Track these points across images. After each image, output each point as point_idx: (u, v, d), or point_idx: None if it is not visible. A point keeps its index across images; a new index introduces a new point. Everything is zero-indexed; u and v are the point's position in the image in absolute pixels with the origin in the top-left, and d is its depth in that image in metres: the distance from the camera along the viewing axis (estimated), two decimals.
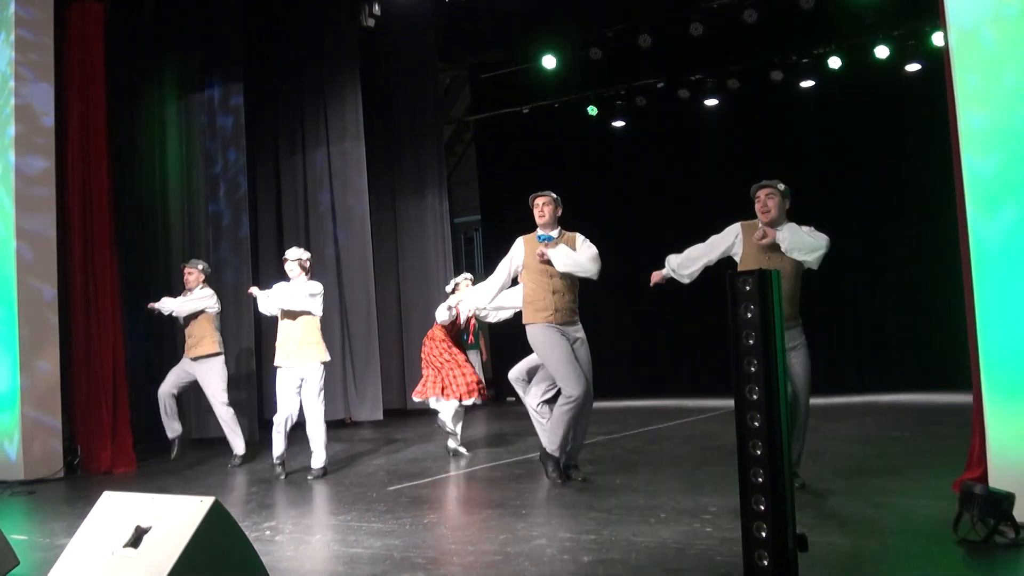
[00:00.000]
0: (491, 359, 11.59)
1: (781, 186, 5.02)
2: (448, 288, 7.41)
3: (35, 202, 7.32)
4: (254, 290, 6.73)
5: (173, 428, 7.52)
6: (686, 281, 5.28)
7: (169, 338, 8.87)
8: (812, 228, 4.96)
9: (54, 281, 7.38)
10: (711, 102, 11.13)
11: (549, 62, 11.17)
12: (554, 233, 5.60)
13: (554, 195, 5.65)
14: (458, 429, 7.17)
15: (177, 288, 7.92)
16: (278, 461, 6.51)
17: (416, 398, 7.30)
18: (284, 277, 6.63)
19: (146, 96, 9.62)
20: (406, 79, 11.49)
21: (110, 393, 7.46)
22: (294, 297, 6.42)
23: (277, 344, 6.50)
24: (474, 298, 6.25)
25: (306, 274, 6.63)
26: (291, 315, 6.47)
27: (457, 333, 7.31)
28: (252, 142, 9.81)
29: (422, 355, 7.34)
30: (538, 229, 5.65)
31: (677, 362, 11.82)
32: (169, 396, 7.45)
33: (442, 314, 7.09)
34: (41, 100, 7.45)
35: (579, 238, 5.64)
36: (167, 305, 7.42)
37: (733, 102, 11.17)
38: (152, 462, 7.70)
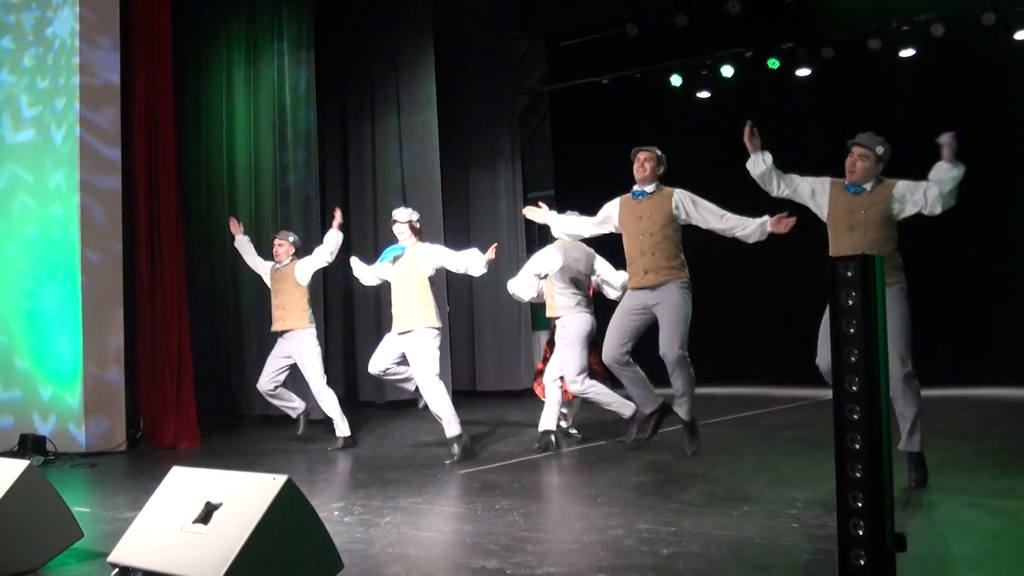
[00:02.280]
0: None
1: (880, 149, 4.69)
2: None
3: (101, 174, 7.19)
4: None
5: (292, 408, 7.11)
6: (762, 181, 5.02)
7: (233, 311, 8.89)
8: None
9: (119, 253, 7.26)
10: (803, 72, 10.53)
11: (631, 29, 10.79)
12: (649, 189, 5.40)
13: (659, 152, 5.46)
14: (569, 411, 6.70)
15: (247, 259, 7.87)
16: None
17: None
18: (347, 248, 6.54)
19: (214, 62, 9.51)
20: (480, 47, 11.17)
21: (175, 366, 7.36)
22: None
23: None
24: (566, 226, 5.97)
25: (416, 236, 6.35)
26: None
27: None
28: (320, 111, 9.63)
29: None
30: (635, 185, 5.45)
31: (762, 347, 11.39)
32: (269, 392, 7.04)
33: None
34: (107, 68, 7.28)
35: (678, 194, 5.39)
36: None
37: (827, 73, 10.55)
38: (216, 437, 7.67)
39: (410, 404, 9.98)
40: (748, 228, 5.23)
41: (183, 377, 7.44)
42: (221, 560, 2.86)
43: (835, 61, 10.44)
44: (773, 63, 10.65)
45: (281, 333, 7.00)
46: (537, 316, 10.53)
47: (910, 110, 10.29)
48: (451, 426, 6.06)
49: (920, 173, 4.65)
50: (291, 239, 7.14)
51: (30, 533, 3.60)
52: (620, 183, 5.77)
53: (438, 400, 6.04)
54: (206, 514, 3.10)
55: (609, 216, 5.57)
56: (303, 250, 7.23)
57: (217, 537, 2.99)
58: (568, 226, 5.92)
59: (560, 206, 13.00)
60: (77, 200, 7.07)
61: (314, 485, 5.33)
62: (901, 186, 4.69)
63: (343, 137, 10.60)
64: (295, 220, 9.33)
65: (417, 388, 6.26)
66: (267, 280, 7.23)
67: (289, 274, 7.02)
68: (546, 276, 6.29)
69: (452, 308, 10.33)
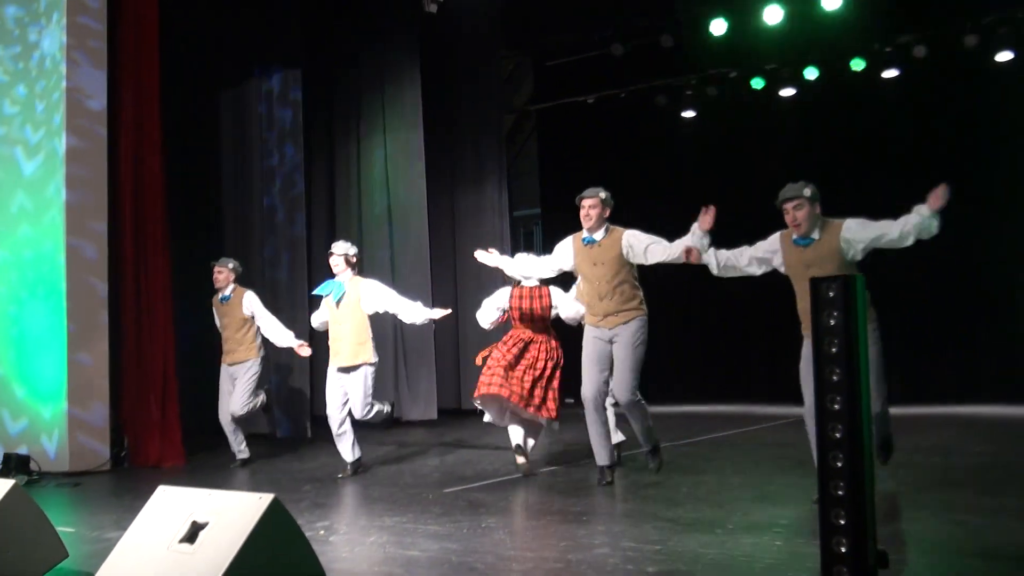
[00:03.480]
0: None
1: (808, 191, 4.67)
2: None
3: (87, 193, 7.15)
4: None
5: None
6: (717, 274, 5.14)
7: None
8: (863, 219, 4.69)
9: (104, 272, 7.20)
10: (787, 92, 10.64)
11: (617, 49, 10.86)
12: (598, 235, 5.38)
13: (602, 195, 5.41)
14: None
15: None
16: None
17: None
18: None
19: (201, 80, 9.52)
20: (468, 66, 11.23)
21: (159, 386, 7.33)
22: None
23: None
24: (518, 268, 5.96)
25: (352, 270, 6.46)
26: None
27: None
28: (306, 129, 9.68)
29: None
30: (583, 231, 5.46)
31: (746, 366, 11.44)
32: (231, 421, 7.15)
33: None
34: (93, 87, 7.26)
35: (626, 236, 5.35)
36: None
37: (811, 93, 10.66)
38: (201, 457, 7.62)
39: (391, 424, 9.98)
40: (677, 251, 5.18)
41: (168, 396, 7.39)
42: None
43: (819, 81, 10.57)
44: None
45: (230, 364, 7.13)
46: None
47: (893, 130, 10.43)
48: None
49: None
50: (230, 266, 7.19)
51: (15, 553, 3.57)
52: None
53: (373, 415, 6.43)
54: (192, 534, 3.07)
55: (562, 259, 5.58)
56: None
57: (203, 557, 2.97)
58: (521, 268, 5.90)
59: (546, 224, 13.17)
60: (63, 225, 7.03)
61: (300, 504, 5.30)
62: (849, 227, 4.64)
63: (330, 156, 10.61)
64: (284, 223, 9.31)
65: (390, 413, 6.68)
66: (215, 313, 7.27)
67: (235, 308, 7.11)
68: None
69: (437, 326, 10.29)
